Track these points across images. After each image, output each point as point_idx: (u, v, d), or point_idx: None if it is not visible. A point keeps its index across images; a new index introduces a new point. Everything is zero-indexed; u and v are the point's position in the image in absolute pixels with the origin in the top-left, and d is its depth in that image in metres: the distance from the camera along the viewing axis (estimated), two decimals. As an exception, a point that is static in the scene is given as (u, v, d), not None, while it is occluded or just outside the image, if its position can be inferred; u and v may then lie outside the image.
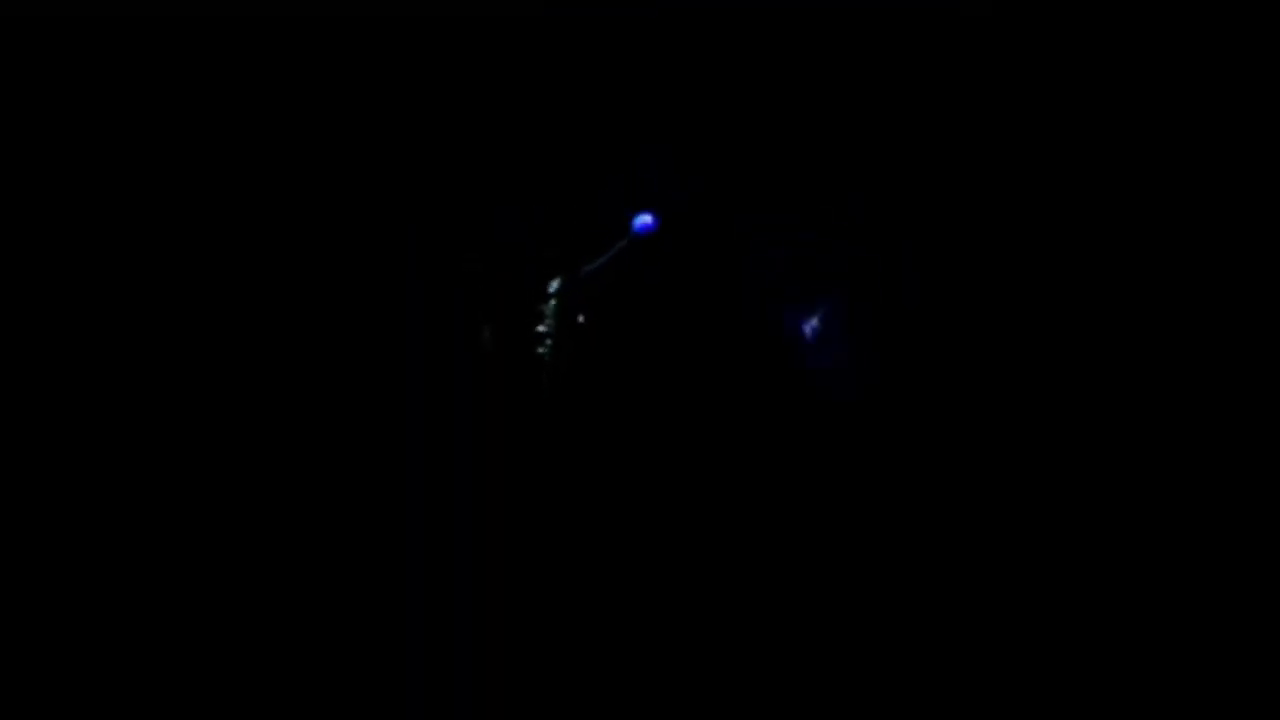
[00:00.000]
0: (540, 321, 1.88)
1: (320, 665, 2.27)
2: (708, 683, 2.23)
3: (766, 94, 2.46)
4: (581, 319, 1.87)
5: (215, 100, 2.42)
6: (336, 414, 2.42)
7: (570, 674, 2.22)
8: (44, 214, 2.35)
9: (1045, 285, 2.33)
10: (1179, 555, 2.17)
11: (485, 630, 2.24)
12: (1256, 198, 2.22)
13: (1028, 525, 2.25)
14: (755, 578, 2.30)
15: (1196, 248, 2.25)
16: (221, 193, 2.43)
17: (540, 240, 2.40)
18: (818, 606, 2.27)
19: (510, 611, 2.22)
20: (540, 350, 1.89)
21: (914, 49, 2.38)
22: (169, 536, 2.32)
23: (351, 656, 2.28)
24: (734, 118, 2.47)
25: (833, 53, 2.42)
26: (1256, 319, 2.20)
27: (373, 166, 2.48)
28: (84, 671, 2.22)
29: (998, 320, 2.35)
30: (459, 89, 2.51)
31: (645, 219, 1.84)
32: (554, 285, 1.88)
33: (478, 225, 2.50)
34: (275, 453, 2.39)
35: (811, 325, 2.24)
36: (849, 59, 2.42)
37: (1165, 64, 2.27)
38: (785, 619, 2.26)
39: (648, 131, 2.47)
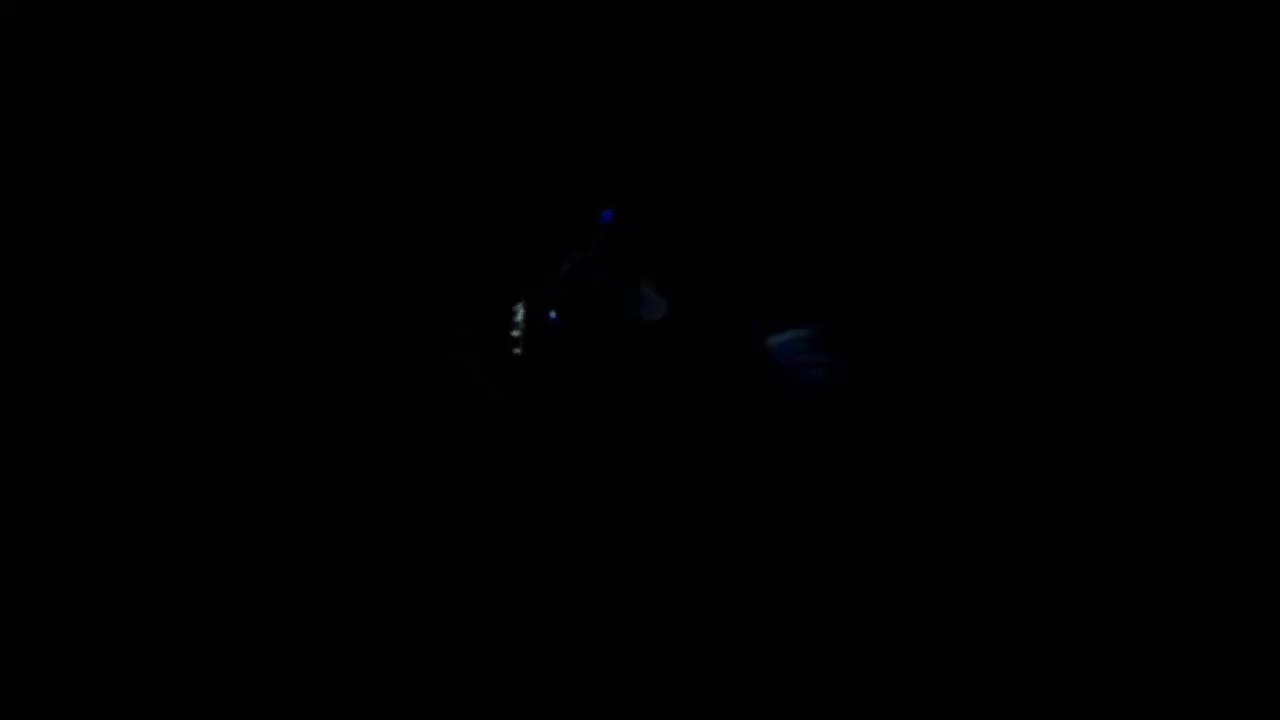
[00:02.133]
0: (512, 323, 1.87)
1: (319, 665, 2.28)
2: (697, 684, 2.22)
3: (765, 94, 2.46)
4: (554, 315, 1.86)
5: (215, 100, 2.45)
6: (334, 414, 2.43)
7: (563, 674, 2.21)
8: (78, 217, 2.39)
9: (1044, 285, 2.31)
10: (1183, 569, 2.14)
11: (481, 632, 2.24)
12: (1255, 199, 2.19)
13: (1024, 529, 2.23)
14: (741, 574, 2.28)
15: (1198, 250, 2.22)
16: (220, 194, 2.46)
17: (532, 239, 2.40)
18: (804, 600, 2.25)
19: (503, 611, 2.22)
20: (515, 351, 1.88)
21: (913, 47, 2.38)
22: (167, 542, 2.34)
23: (351, 657, 2.29)
24: (730, 118, 2.47)
25: (831, 51, 2.42)
26: (1254, 324, 2.17)
27: (369, 166, 2.50)
28: (83, 671, 2.23)
29: (996, 321, 2.34)
30: (457, 88, 2.52)
31: (609, 213, 1.84)
32: (523, 289, 1.88)
33: (475, 225, 2.51)
34: (273, 452, 2.40)
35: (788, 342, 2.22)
36: (847, 57, 2.41)
37: (1164, 63, 2.25)
38: (773, 616, 2.25)
39: (640, 130, 2.47)
